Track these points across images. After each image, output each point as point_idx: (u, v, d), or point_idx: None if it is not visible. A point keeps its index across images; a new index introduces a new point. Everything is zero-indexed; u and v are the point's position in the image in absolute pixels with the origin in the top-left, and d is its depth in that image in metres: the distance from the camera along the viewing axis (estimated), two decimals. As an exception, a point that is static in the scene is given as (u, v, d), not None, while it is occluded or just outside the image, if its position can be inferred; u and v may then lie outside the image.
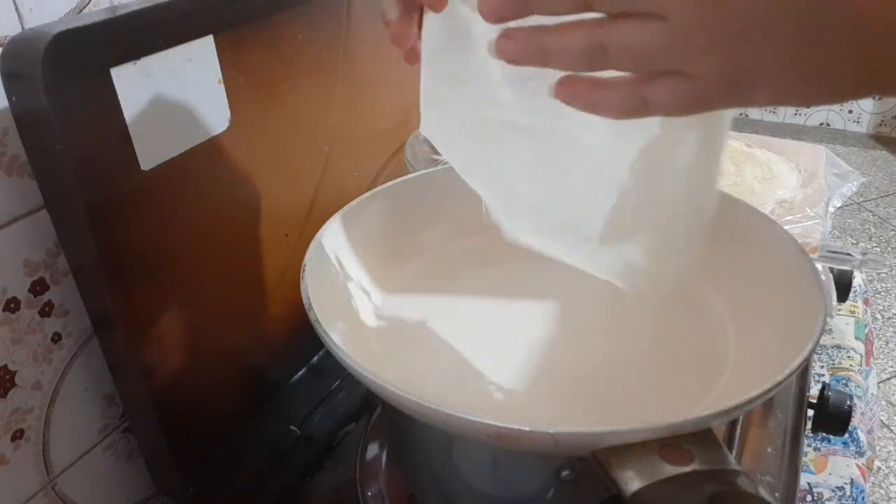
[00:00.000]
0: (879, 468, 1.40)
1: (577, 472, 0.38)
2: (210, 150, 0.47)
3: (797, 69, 0.25)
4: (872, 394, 0.69)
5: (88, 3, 0.44)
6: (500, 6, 0.28)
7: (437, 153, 0.70)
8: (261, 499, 0.52)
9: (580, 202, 0.36)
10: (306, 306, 0.38)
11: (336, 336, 0.36)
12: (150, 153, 0.43)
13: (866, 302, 0.77)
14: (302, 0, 0.53)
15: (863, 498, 0.55)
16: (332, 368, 0.61)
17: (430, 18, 0.36)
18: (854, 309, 0.74)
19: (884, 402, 1.53)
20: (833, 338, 0.71)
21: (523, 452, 0.38)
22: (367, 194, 0.49)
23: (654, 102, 0.27)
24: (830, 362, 0.68)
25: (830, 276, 0.65)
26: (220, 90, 0.47)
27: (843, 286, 0.68)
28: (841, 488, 0.56)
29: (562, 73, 0.29)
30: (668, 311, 0.47)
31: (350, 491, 0.50)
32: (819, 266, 0.43)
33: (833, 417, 0.55)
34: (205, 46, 0.45)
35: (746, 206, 0.47)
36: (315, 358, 0.62)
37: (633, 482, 0.29)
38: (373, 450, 0.53)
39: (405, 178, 0.52)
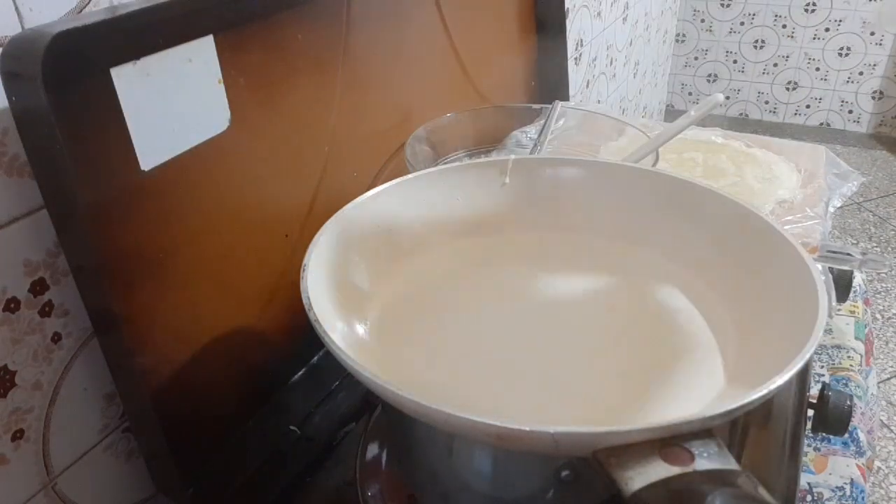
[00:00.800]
0: (879, 468, 1.40)
1: (577, 472, 0.38)
2: (210, 150, 0.47)
3: None
4: (872, 394, 0.69)
5: (88, 3, 0.44)
6: None
7: (438, 153, 0.70)
8: (261, 499, 0.52)
9: None
10: (306, 306, 0.38)
11: (336, 336, 0.36)
12: (150, 153, 0.43)
13: (866, 302, 0.77)
14: (302, 0, 0.53)
15: (863, 498, 0.55)
16: (332, 368, 0.61)
17: None
18: (854, 309, 0.74)
19: (884, 402, 1.53)
20: (833, 338, 0.71)
21: (523, 452, 0.38)
22: (367, 194, 0.49)
23: None
24: (830, 362, 0.68)
25: (830, 276, 0.65)
26: (220, 90, 0.47)
27: (843, 286, 0.68)
28: (841, 488, 0.56)
29: None
30: (669, 311, 0.47)
31: (350, 491, 0.50)
32: (819, 266, 0.43)
33: (833, 417, 0.55)
34: (205, 46, 0.45)
35: (746, 206, 0.47)
36: (315, 358, 0.62)
37: (633, 482, 0.29)
38: (373, 450, 0.53)
39: (405, 178, 0.52)
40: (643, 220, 0.51)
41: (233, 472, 0.53)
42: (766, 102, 2.70)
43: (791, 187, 0.72)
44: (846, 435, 0.58)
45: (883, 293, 1.84)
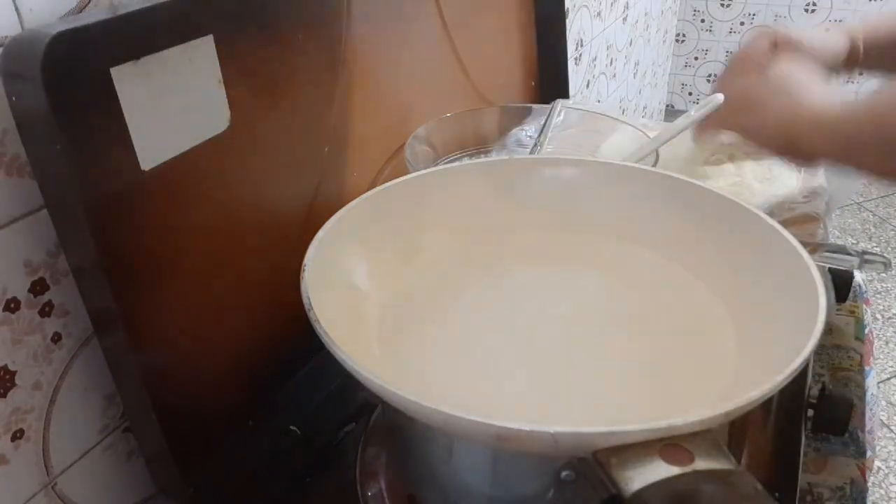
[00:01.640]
0: (879, 468, 1.40)
1: (577, 472, 0.38)
2: (210, 150, 0.47)
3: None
4: (872, 394, 0.69)
5: (88, 3, 0.44)
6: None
7: (438, 153, 0.70)
8: (261, 499, 0.52)
9: None
10: (306, 306, 0.38)
11: (336, 336, 0.36)
12: (150, 153, 0.43)
13: (866, 302, 0.77)
14: (302, 0, 0.53)
15: (863, 498, 0.55)
16: (332, 368, 0.61)
17: None
18: (854, 309, 0.74)
19: (884, 402, 1.53)
20: (833, 338, 0.71)
21: (523, 452, 0.38)
22: (367, 194, 0.49)
23: None
24: (830, 362, 0.68)
25: (830, 276, 0.65)
26: (220, 90, 0.47)
27: (843, 286, 0.68)
28: (841, 488, 0.56)
29: None
30: (668, 312, 0.47)
31: (350, 491, 0.50)
32: (819, 266, 0.43)
33: (833, 417, 0.55)
34: (205, 46, 0.45)
35: (746, 206, 0.47)
36: (315, 358, 0.62)
37: (633, 482, 0.29)
38: (373, 450, 0.53)
39: (405, 178, 0.52)
40: (643, 220, 0.51)
41: (233, 472, 0.53)
42: (766, 102, 2.69)
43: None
44: (846, 435, 0.58)
45: (883, 293, 1.84)
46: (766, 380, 0.32)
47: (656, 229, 0.51)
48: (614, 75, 1.71)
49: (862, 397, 0.64)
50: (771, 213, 0.55)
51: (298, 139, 0.56)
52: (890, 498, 1.36)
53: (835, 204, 0.72)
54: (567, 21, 1.15)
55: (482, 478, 0.43)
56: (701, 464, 0.29)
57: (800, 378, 0.58)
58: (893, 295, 1.83)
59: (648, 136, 0.66)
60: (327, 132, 0.59)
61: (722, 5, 2.59)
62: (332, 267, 0.44)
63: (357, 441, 0.54)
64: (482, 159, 0.67)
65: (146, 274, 0.45)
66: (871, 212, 2.18)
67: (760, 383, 0.32)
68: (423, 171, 0.53)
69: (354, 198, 0.48)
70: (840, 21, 2.46)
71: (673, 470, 0.29)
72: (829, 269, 0.65)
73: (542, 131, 0.70)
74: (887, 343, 1.69)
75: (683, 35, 2.67)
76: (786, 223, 0.45)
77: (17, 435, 0.45)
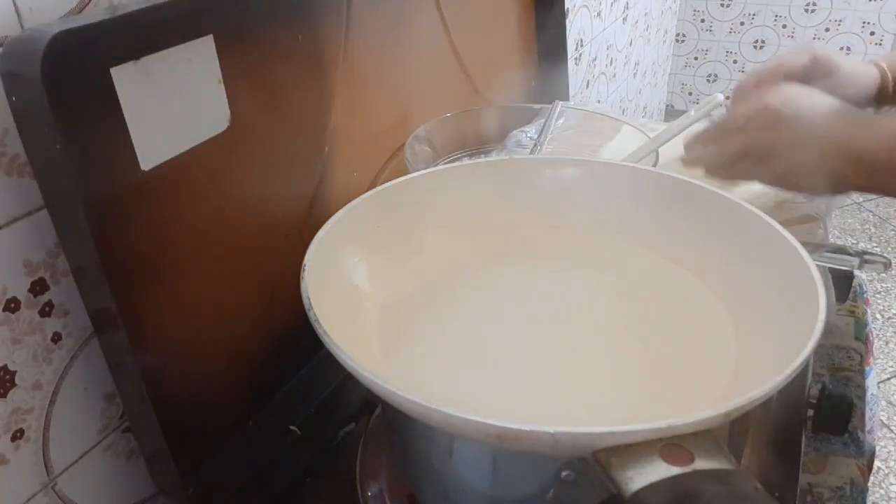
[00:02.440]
0: (879, 468, 1.40)
1: (577, 472, 0.38)
2: (210, 150, 0.47)
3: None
4: (872, 394, 0.69)
5: (88, 3, 0.44)
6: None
7: (438, 153, 0.70)
8: (261, 499, 0.52)
9: None
10: (306, 306, 0.38)
11: (336, 336, 0.36)
12: (150, 153, 0.43)
13: (866, 302, 0.77)
14: (302, 0, 0.53)
15: (863, 498, 0.55)
16: (332, 368, 0.61)
17: None
18: (854, 309, 0.74)
19: (884, 402, 1.53)
20: (833, 338, 0.71)
21: (523, 452, 0.38)
22: (367, 194, 0.49)
23: None
24: (830, 362, 0.68)
25: (830, 276, 0.65)
26: (220, 90, 0.47)
27: (843, 286, 0.68)
28: (841, 488, 0.55)
29: None
30: (668, 311, 0.47)
31: (350, 491, 0.50)
32: (819, 266, 0.43)
33: (833, 417, 0.55)
34: (205, 46, 0.45)
35: (746, 206, 0.47)
36: (315, 358, 0.62)
37: (633, 482, 0.29)
38: (373, 450, 0.53)
39: (405, 178, 0.52)
40: (643, 220, 0.51)
41: (233, 471, 0.53)
42: (766, 102, 2.69)
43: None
44: (846, 435, 0.58)
45: (883, 293, 1.84)
46: (766, 380, 0.32)
47: (656, 229, 0.51)
48: (614, 75, 1.71)
49: (862, 397, 0.64)
50: (771, 214, 0.55)
51: (298, 139, 0.56)
52: (890, 498, 1.36)
53: (835, 204, 0.72)
54: (567, 21, 1.15)
55: (482, 478, 0.43)
56: (701, 464, 0.29)
57: (800, 378, 0.58)
58: (893, 295, 1.83)
59: (648, 136, 0.66)
60: (327, 132, 0.59)
61: (722, 5, 2.59)
62: (332, 267, 0.44)
63: (357, 441, 0.54)
64: (482, 159, 0.67)
65: (146, 274, 0.45)
66: (871, 212, 2.18)
67: (760, 383, 0.32)
68: (423, 171, 0.53)
69: (354, 198, 0.48)
70: (840, 21, 2.46)
71: (673, 470, 0.29)
72: (829, 269, 0.65)
73: (542, 131, 0.70)
74: (887, 343, 1.69)
75: (683, 35, 2.67)
76: (786, 223, 0.45)
77: (17, 435, 0.45)
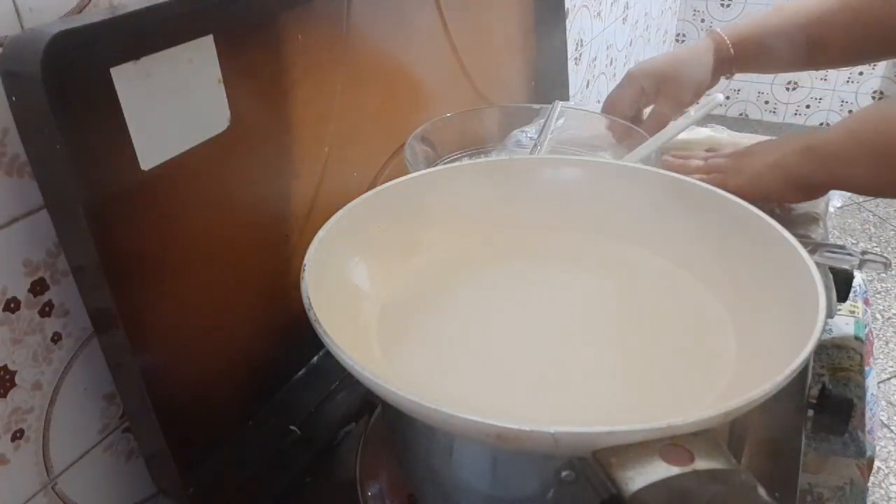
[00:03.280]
0: (879, 468, 1.40)
1: (577, 472, 0.38)
2: (210, 150, 0.47)
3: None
4: (872, 394, 0.69)
5: (88, 3, 0.44)
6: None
7: (438, 153, 0.70)
8: (261, 499, 0.52)
9: None
10: (306, 306, 0.38)
11: (336, 336, 0.36)
12: (150, 153, 0.43)
13: (866, 302, 0.77)
14: (302, 0, 0.53)
15: (863, 498, 0.55)
16: (332, 368, 0.61)
17: None
18: (854, 309, 0.74)
19: (884, 402, 1.53)
20: (833, 338, 0.71)
21: (523, 452, 0.38)
22: (367, 194, 0.49)
23: None
24: (830, 362, 0.68)
25: (830, 276, 0.65)
26: (220, 90, 0.47)
27: (843, 286, 0.68)
28: (841, 488, 0.56)
29: None
30: (668, 312, 0.47)
31: (350, 491, 0.50)
32: (819, 266, 0.43)
33: (833, 417, 0.55)
34: (205, 46, 0.45)
35: (746, 206, 0.47)
36: (315, 358, 0.62)
37: (633, 482, 0.29)
38: (373, 450, 0.53)
39: (405, 178, 0.52)
40: (643, 220, 0.51)
41: (233, 472, 0.53)
42: (766, 102, 2.70)
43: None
44: (846, 435, 0.58)
45: (883, 293, 1.84)
46: (766, 380, 0.32)
47: (656, 229, 0.51)
48: (614, 75, 1.71)
49: (862, 397, 0.64)
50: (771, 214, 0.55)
51: (298, 139, 0.56)
52: (890, 498, 1.36)
53: (835, 204, 0.72)
54: (567, 21, 1.15)
55: (482, 478, 0.43)
56: (701, 464, 0.29)
57: (800, 378, 0.58)
58: (893, 295, 1.83)
59: (648, 137, 0.66)
60: (327, 132, 0.59)
61: (722, 5, 2.59)
62: (332, 267, 0.44)
63: (357, 441, 0.54)
64: (482, 159, 0.67)
65: (146, 274, 0.45)
66: (871, 212, 2.18)
67: (760, 383, 0.32)
68: (423, 171, 0.53)
69: (354, 198, 0.48)
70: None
71: (673, 470, 0.29)
72: (829, 269, 0.65)
73: (542, 131, 0.70)
74: (887, 343, 1.69)
75: (683, 35, 2.67)
76: (786, 223, 0.45)
77: (17, 435, 0.45)
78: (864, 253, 0.59)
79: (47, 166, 0.39)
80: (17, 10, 0.40)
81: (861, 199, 2.23)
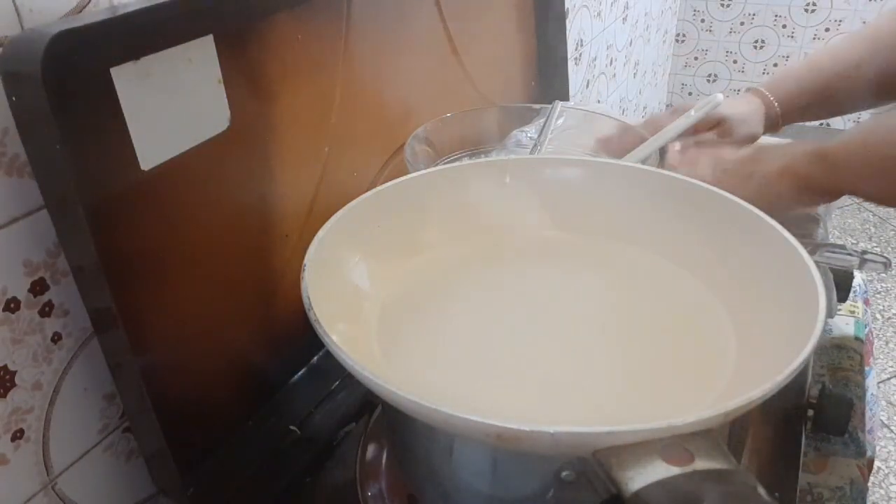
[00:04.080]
0: (879, 468, 1.40)
1: (577, 472, 0.38)
2: (210, 150, 0.47)
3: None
4: (872, 394, 0.69)
5: (88, 3, 0.44)
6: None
7: (438, 153, 0.70)
8: (261, 499, 0.52)
9: None
10: (306, 306, 0.38)
11: (336, 336, 0.36)
12: (150, 153, 0.43)
13: (866, 302, 0.77)
14: (302, 0, 0.53)
15: (863, 498, 0.55)
16: (332, 368, 0.61)
17: None
18: (854, 309, 0.74)
19: (884, 402, 1.53)
20: (833, 338, 0.71)
21: (523, 452, 0.38)
22: (367, 194, 0.49)
23: None
24: (830, 362, 0.68)
25: (830, 276, 0.65)
26: (220, 90, 0.47)
27: (843, 286, 0.68)
28: (841, 488, 0.55)
29: None
30: (668, 312, 0.47)
31: (350, 491, 0.50)
32: (819, 266, 0.43)
33: (833, 417, 0.55)
34: (205, 46, 0.45)
35: (746, 206, 0.47)
36: (315, 358, 0.62)
37: (633, 482, 0.29)
38: (373, 450, 0.53)
39: (405, 178, 0.52)
40: (643, 220, 0.51)
41: (233, 471, 0.53)
42: (766, 102, 2.69)
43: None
44: (846, 435, 0.58)
45: (883, 293, 1.84)
46: (766, 380, 0.32)
47: (656, 229, 0.51)
48: (614, 75, 1.71)
49: (862, 397, 0.64)
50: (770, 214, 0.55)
51: (298, 139, 0.56)
52: (890, 498, 1.36)
53: (835, 204, 0.72)
54: (567, 21, 1.15)
55: (482, 478, 0.43)
56: (701, 464, 0.29)
57: (800, 378, 0.58)
58: (893, 295, 1.83)
59: (648, 137, 0.66)
60: (327, 132, 0.59)
61: (722, 5, 2.59)
62: (332, 267, 0.44)
63: (357, 441, 0.54)
64: (482, 159, 0.67)
65: (146, 274, 0.45)
66: (871, 212, 2.18)
67: (760, 383, 0.32)
68: (423, 171, 0.53)
69: (354, 198, 0.48)
70: (840, 21, 2.46)
71: (673, 470, 0.29)
72: (829, 269, 0.65)
73: (541, 131, 0.70)
74: (887, 343, 1.69)
75: (683, 35, 2.67)
76: (786, 223, 0.45)
77: (17, 435, 0.45)
78: (864, 253, 0.59)
79: (47, 166, 0.39)
80: (17, 10, 0.40)
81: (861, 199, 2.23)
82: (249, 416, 0.56)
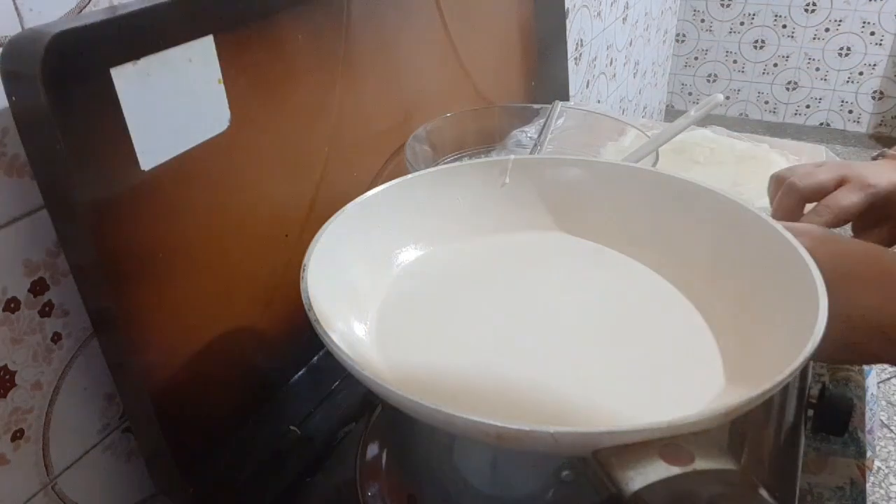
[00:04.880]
0: (879, 468, 1.40)
1: (577, 472, 0.38)
2: (210, 150, 0.47)
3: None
4: (872, 394, 0.69)
5: (88, 3, 0.44)
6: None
7: (438, 153, 0.70)
8: (261, 499, 0.52)
9: None
10: (306, 306, 0.38)
11: (336, 336, 0.36)
12: (150, 153, 0.43)
13: (866, 302, 0.77)
14: (302, 0, 0.53)
15: (863, 498, 0.55)
16: (332, 368, 0.61)
17: None
18: (854, 309, 0.74)
19: (884, 402, 1.53)
20: (833, 338, 0.70)
21: (523, 452, 0.38)
22: (368, 194, 0.49)
23: None
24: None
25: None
26: (220, 90, 0.47)
27: (843, 286, 0.67)
28: (841, 488, 0.55)
29: None
30: (669, 311, 0.47)
31: (350, 491, 0.50)
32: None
33: (833, 418, 0.55)
34: (205, 46, 0.45)
35: (746, 206, 0.47)
36: (315, 358, 0.62)
37: (633, 482, 0.29)
38: (373, 450, 0.53)
39: (405, 178, 0.52)
40: (643, 220, 0.51)
41: (233, 472, 0.53)
42: (766, 102, 2.70)
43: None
44: (846, 435, 0.58)
45: (883, 293, 1.83)
46: (766, 380, 0.32)
47: (656, 229, 0.51)
48: (614, 75, 1.72)
49: (862, 397, 0.64)
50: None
51: (298, 139, 0.56)
52: (890, 498, 1.36)
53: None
54: (567, 21, 1.15)
55: (482, 477, 0.43)
56: (701, 464, 0.29)
57: (800, 378, 0.58)
58: (893, 295, 1.83)
59: (648, 137, 0.66)
60: (327, 132, 0.59)
61: (722, 5, 2.59)
62: (332, 267, 0.44)
63: (357, 441, 0.54)
64: (482, 159, 0.67)
65: (146, 274, 0.45)
66: (871, 212, 2.18)
67: (760, 383, 0.32)
68: (423, 171, 0.53)
69: (354, 198, 0.48)
70: (840, 21, 2.46)
71: (673, 470, 0.29)
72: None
73: (541, 131, 0.70)
74: (887, 343, 1.69)
75: (683, 35, 2.67)
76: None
77: (17, 435, 0.45)
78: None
79: (47, 166, 0.39)
80: (17, 10, 0.40)
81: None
82: (249, 417, 0.56)
